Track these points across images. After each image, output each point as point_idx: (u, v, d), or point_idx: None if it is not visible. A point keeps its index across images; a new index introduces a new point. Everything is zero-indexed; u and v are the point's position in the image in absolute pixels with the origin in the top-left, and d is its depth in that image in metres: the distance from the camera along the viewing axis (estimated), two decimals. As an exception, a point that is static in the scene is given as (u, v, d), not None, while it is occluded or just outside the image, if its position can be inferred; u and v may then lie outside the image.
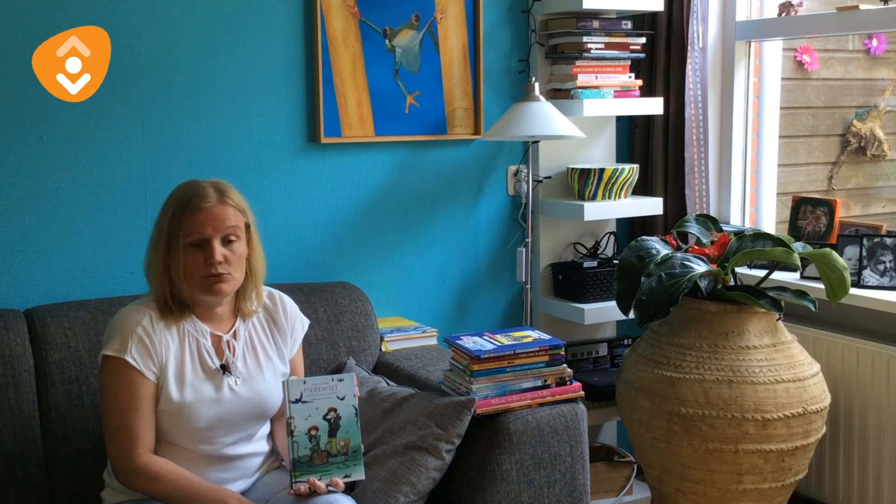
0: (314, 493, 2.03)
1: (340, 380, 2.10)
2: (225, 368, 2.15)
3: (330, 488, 2.05)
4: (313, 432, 2.07)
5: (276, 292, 2.30)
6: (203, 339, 2.15)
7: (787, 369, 2.65)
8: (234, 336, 2.19)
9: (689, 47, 3.27)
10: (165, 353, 2.09)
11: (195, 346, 2.13)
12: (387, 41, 3.03)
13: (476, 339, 2.43)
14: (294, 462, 2.05)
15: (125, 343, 2.05)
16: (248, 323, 2.23)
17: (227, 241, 2.10)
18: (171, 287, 2.10)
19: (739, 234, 2.80)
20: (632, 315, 2.72)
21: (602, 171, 3.19)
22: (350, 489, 2.10)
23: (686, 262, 2.66)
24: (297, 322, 2.32)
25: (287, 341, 2.28)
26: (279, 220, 2.92)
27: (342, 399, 2.09)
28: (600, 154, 3.42)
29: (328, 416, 2.08)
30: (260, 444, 2.25)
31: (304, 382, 2.08)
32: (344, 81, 2.97)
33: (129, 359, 2.04)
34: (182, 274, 2.08)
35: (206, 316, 2.17)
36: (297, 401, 2.07)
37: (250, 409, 2.17)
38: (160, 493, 2.03)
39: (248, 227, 2.16)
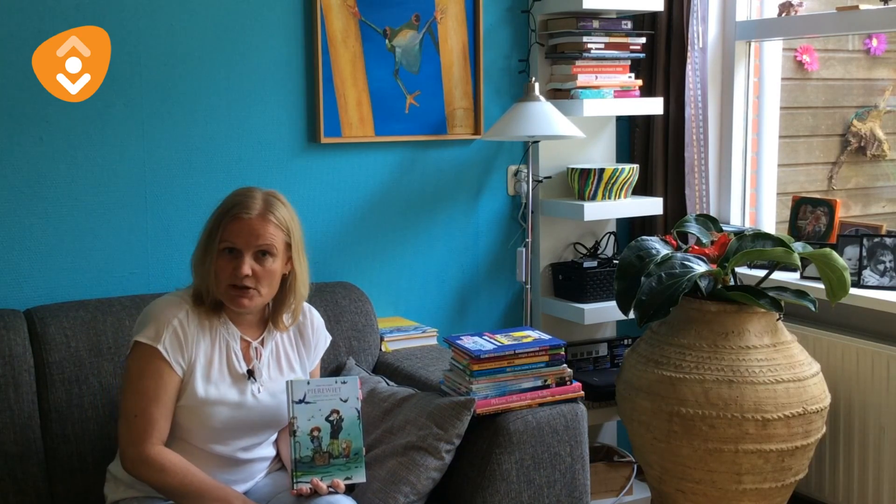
0: (315, 493, 2.04)
1: (344, 382, 2.11)
2: (251, 374, 2.16)
3: (330, 489, 2.05)
4: (315, 433, 2.07)
5: (307, 305, 2.30)
6: (233, 342, 2.16)
7: (787, 369, 2.65)
8: (262, 343, 2.20)
9: (689, 47, 3.27)
10: (196, 350, 2.10)
11: (225, 348, 2.14)
12: (387, 41, 3.03)
13: (476, 339, 2.43)
14: (296, 462, 2.05)
15: (160, 333, 2.06)
16: (277, 333, 2.24)
17: (259, 256, 2.10)
18: (207, 286, 2.12)
19: (739, 234, 2.80)
20: (632, 315, 2.72)
21: (602, 171, 3.19)
22: (350, 491, 2.10)
23: (686, 262, 2.66)
24: (322, 338, 2.33)
25: (311, 355, 2.30)
26: (279, 220, 2.92)
27: (345, 401, 2.09)
28: (600, 154, 3.42)
29: (331, 418, 2.08)
30: (268, 450, 2.26)
31: (308, 383, 2.09)
32: (344, 81, 2.97)
33: (161, 349, 2.06)
34: (211, 278, 2.10)
35: (238, 319, 2.18)
36: (301, 401, 2.07)
37: (268, 417, 2.18)
38: (166, 486, 2.03)
39: (289, 246, 2.14)
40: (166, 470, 2.03)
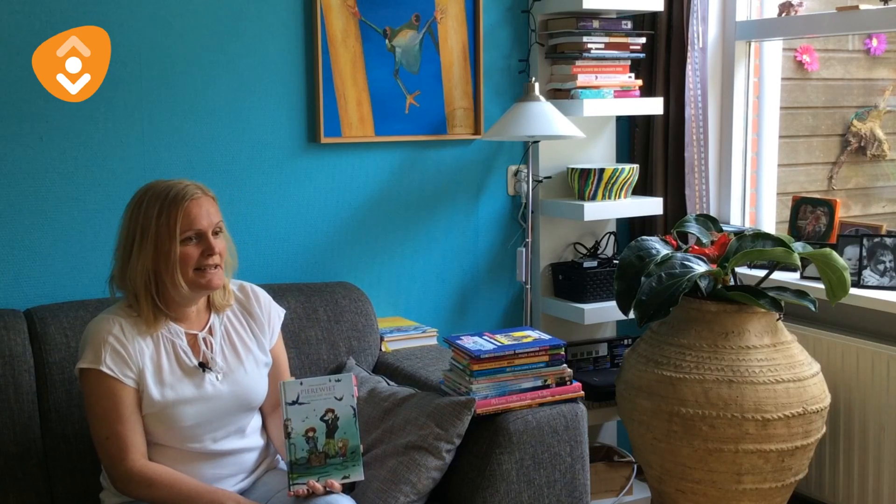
0: (312, 493, 2.03)
1: (338, 380, 2.08)
2: (204, 366, 2.14)
3: (327, 490, 2.04)
4: (310, 434, 2.05)
5: (246, 284, 2.31)
6: (178, 340, 2.14)
7: (787, 369, 2.65)
8: (210, 332, 2.19)
9: (689, 47, 3.27)
10: (141, 358, 2.08)
11: (171, 348, 2.13)
12: (387, 41, 3.03)
13: (476, 339, 2.43)
14: (291, 464, 2.04)
15: (98, 354, 2.05)
16: (223, 317, 2.23)
17: (215, 234, 2.12)
18: (155, 288, 2.09)
19: (739, 234, 2.80)
20: (632, 315, 2.72)
21: (602, 171, 3.19)
22: (350, 489, 2.10)
23: (686, 262, 2.66)
24: (273, 312, 2.31)
25: (265, 332, 2.28)
26: (279, 220, 2.92)
27: (340, 399, 2.07)
28: (600, 154, 3.42)
29: (326, 418, 2.06)
30: (252, 439, 2.24)
31: (301, 384, 2.07)
32: (344, 81, 2.97)
33: (104, 369, 2.04)
34: (177, 269, 2.07)
35: (180, 316, 2.16)
36: (294, 402, 2.05)
37: (235, 403, 2.17)
38: (158, 499, 2.03)
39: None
40: (154, 484, 2.03)
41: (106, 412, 2.04)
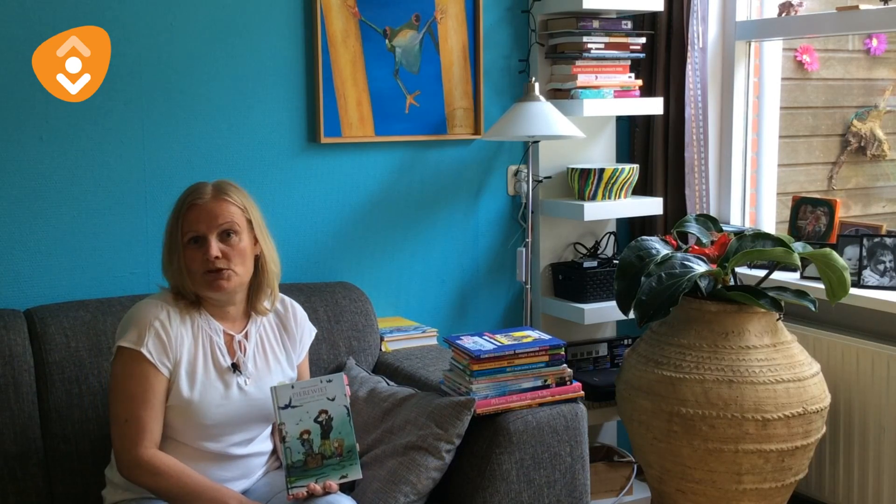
0: (311, 495, 2.03)
1: (329, 381, 2.09)
2: (236, 367, 2.16)
3: (326, 490, 2.04)
4: (305, 436, 2.05)
5: (287, 299, 2.33)
6: (216, 337, 2.16)
7: (787, 369, 2.65)
8: (246, 336, 2.21)
9: (689, 47, 3.27)
10: (180, 349, 2.10)
11: (208, 344, 2.15)
12: (387, 41, 3.03)
13: (476, 339, 2.43)
14: (288, 468, 2.04)
15: (142, 336, 2.07)
16: (260, 325, 2.25)
17: (225, 237, 2.12)
18: (183, 284, 2.14)
19: (739, 234, 2.80)
20: (632, 315, 2.72)
21: (602, 171, 3.19)
22: (350, 489, 2.10)
23: (686, 262, 2.66)
24: (306, 330, 2.35)
25: (296, 347, 2.31)
26: (279, 220, 2.92)
27: (332, 400, 2.07)
28: (600, 154, 3.42)
29: (319, 419, 2.06)
30: (263, 445, 2.26)
31: (293, 387, 2.07)
32: (344, 81, 2.97)
33: (144, 352, 2.06)
34: (185, 272, 2.11)
35: (219, 314, 2.19)
36: (287, 406, 2.05)
37: (257, 410, 2.18)
38: (162, 489, 2.03)
39: (251, 223, 2.17)
40: (161, 473, 2.03)
41: (133, 395, 2.05)
